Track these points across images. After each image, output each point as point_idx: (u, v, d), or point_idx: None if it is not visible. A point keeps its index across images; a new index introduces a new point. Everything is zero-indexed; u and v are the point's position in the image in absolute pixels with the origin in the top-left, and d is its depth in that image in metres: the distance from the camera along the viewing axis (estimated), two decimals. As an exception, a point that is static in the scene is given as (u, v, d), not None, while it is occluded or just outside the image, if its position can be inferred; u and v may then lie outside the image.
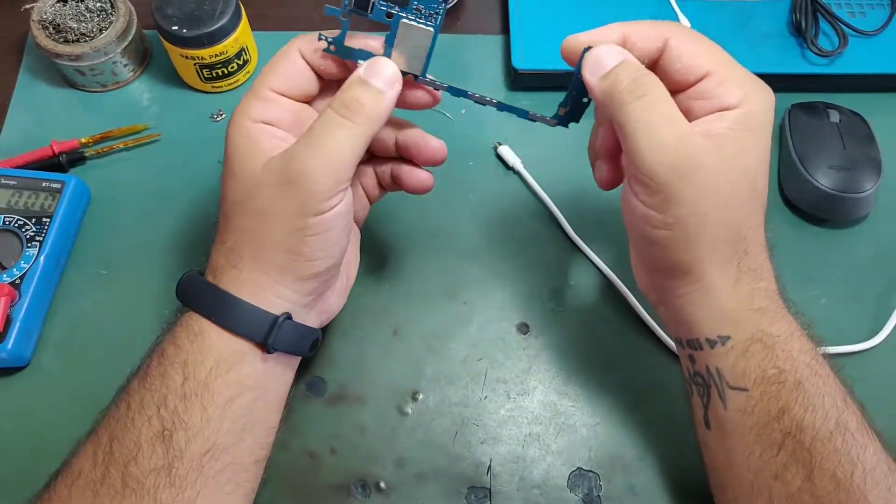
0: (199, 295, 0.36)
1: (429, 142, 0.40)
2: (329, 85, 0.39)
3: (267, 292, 0.35)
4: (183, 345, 0.35)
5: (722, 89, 0.34)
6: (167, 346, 0.35)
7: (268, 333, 0.35)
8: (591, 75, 0.35)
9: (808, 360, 0.35)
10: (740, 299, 0.35)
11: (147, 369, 0.35)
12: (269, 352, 0.36)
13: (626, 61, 0.35)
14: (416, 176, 0.41)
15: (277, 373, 0.38)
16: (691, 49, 0.35)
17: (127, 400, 0.35)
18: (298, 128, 0.37)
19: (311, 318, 0.39)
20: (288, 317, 0.36)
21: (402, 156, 0.41)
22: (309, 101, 0.39)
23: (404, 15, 0.37)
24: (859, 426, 0.34)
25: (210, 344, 0.35)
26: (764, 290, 0.35)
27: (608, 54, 0.35)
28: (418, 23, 0.37)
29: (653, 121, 0.33)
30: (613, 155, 0.39)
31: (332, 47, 0.37)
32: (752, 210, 0.35)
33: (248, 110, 0.36)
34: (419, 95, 0.38)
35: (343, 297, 0.42)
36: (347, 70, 0.37)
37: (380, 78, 0.35)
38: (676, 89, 0.36)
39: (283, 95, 0.37)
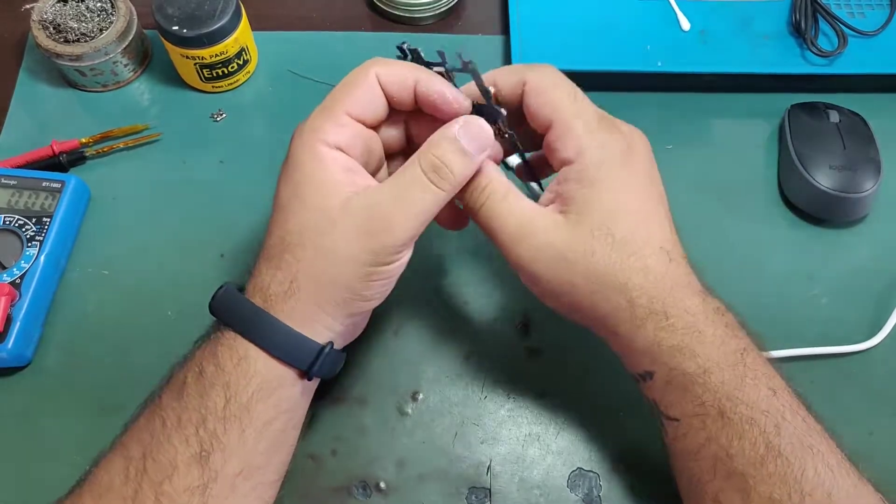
0: (246, 318, 0.35)
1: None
2: (394, 112, 0.39)
3: (318, 324, 0.35)
4: (226, 367, 0.34)
5: (559, 144, 0.36)
6: (207, 365, 0.35)
7: (313, 362, 0.35)
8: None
9: (731, 391, 0.34)
10: (648, 342, 0.35)
11: (184, 386, 0.35)
12: (309, 378, 0.36)
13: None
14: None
15: (306, 395, 0.38)
16: (538, 99, 0.36)
17: (161, 415, 0.34)
18: (367, 156, 0.37)
19: (340, 342, 0.39)
20: (331, 345, 0.36)
21: None
22: (376, 127, 0.38)
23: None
24: (795, 448, 0.33)
25: (255, 369, 0.34)
26: (672, 328, 0.35)
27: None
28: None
29: (493, 223, 0.36)
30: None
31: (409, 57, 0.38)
32: (622, 261, 0.35)
33: (324, 133, 0.35)
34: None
35: (366, 321, 0.42)
36: (416, 103, 0.37)
37: (473, 140, 0.35)
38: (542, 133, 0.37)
39: (356, 121, 0.36)
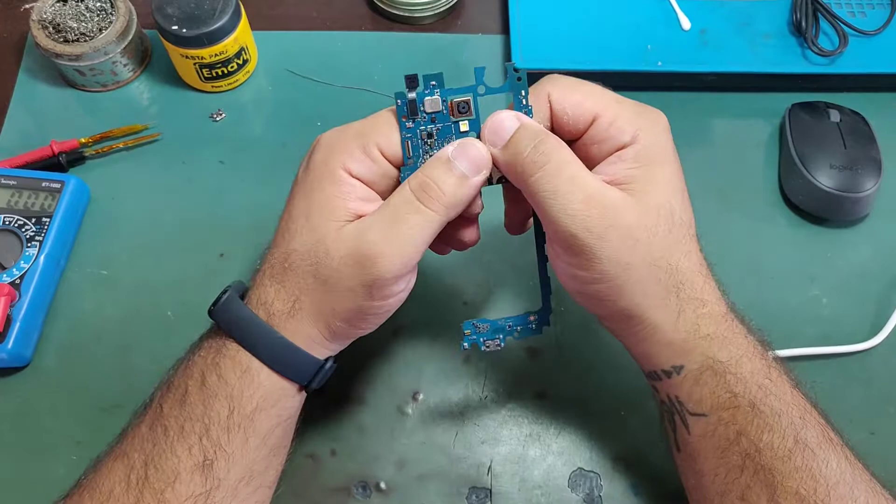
0: (253, 334, 0.35)
1: (473, 230, 0.39)
2: None
3: (317, 344, 0.36)
4: (229, 379, 0.34)
5: (613, 129, 0.34)
6: (209, 374, 0.35)
7: (313, 377, 0.36)
8: (492, 146, 0.34)
9: (761, 380, 0.34)
10: (686, 330, 0.35)
11: (185, 395, 0.35)
12: (308, 391, 0.37)
13: (522, 126, 0.34)
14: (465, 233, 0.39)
15: (302, 401, 0.39)
16: (573, 98, 0.35)
17: (163, 423, 0.34)
18: (388, 195, 0.35)
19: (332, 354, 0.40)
20: (333, 361, 0.37)
21: None
22: None
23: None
24: (820, 441, 0.33)
25: (259, 382, 0.35)
26: (709, 316, 0.35)
27: (505, 121, 0.34)
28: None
29: (559, 188, 0.33)
30: (515, 199, 0.38)
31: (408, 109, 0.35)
32: (677, 241, 0.34)
33: (350, 161, 0.34)
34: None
35: None
36: None
37: (467, 160, 0.34)
38: (573, 139, 0.36)
39: (387, 160, 0.35)
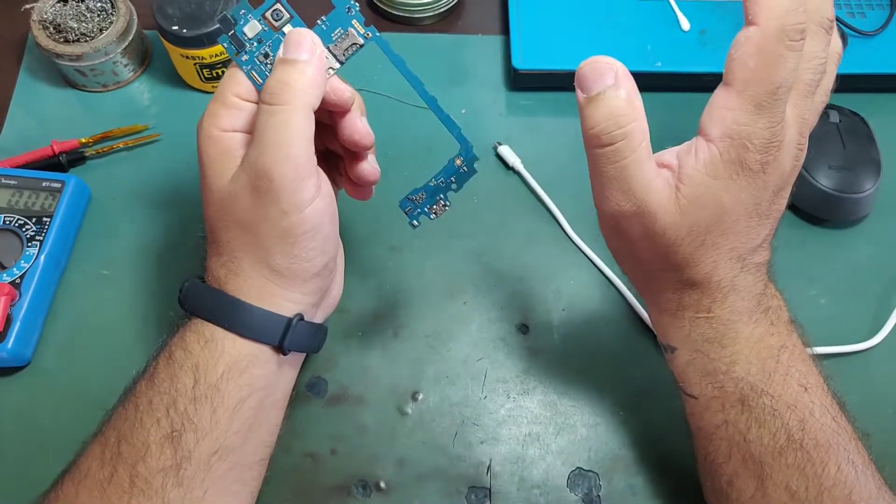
0: (207, 304, 0.36)
1: (354, 122, 0.38)
2: None
3: (276, 297, 0.36)
4: (193, 349, 0.35)
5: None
6: (176, 349, 0.35)
7: (283, 336, 0.36)
8: (579, 90, 0.32)
9: (755, 381, 0.34)
10: (678, 326, 0.36)
11: (154, 371, 0.35)
12: (284, 353, 0.36)
13: (616, 95, 0.32)
14: (359, 168, 0.39)
15: (285, 372, 0.38)
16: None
17: (135, 401, 0.35)
18: None
19: (318, 315, 0.40)
20: (300, 317, 0.36)
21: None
22: None
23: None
24: (819, 445, 0.33)
25: (222, 349, 0.35)
26: (712, 320, 0.35)
27: (604, 74, 0.32)
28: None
29: (618, 174, 0.32)
30: None
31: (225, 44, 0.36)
32: (698, 248, 0.33)
33: (217, 119, 0.36)
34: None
35: (341, 286, 0.42)
36: None
37: (298, 48, 0.34)
38: None
39: (248, 101, 0.36)
